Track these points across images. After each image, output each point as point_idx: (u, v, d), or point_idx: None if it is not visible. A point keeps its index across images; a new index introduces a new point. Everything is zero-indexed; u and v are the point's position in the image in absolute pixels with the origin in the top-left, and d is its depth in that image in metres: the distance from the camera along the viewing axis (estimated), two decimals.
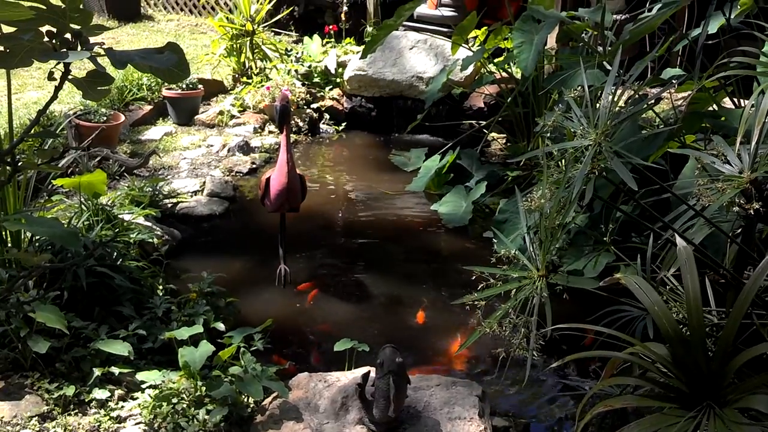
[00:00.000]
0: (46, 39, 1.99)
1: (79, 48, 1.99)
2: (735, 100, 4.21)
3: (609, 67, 4.08)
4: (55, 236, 2.15)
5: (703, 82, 3.55)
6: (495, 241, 4.88)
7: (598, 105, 2.27)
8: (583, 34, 5.43)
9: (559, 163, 2.37)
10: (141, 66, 1.99)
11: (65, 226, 3.49)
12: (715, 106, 4.15)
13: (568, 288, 2.32)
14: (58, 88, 2.13)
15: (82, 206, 4.26)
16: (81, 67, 2.07)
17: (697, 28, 3.90)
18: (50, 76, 2.09)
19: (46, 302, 3.33)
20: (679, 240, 1.97)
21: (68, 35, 2.00)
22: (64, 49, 1.98)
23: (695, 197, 2.18)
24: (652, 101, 2.78)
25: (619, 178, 2.07)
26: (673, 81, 4.45)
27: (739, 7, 4.07)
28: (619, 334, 2.03)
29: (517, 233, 4.34)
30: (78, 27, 2.00)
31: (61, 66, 2.06)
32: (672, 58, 6.65)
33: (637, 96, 3.12)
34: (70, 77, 2.08)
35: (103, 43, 2.03)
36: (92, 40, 2.03)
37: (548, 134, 2.41)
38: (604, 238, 3.66)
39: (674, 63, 6.54)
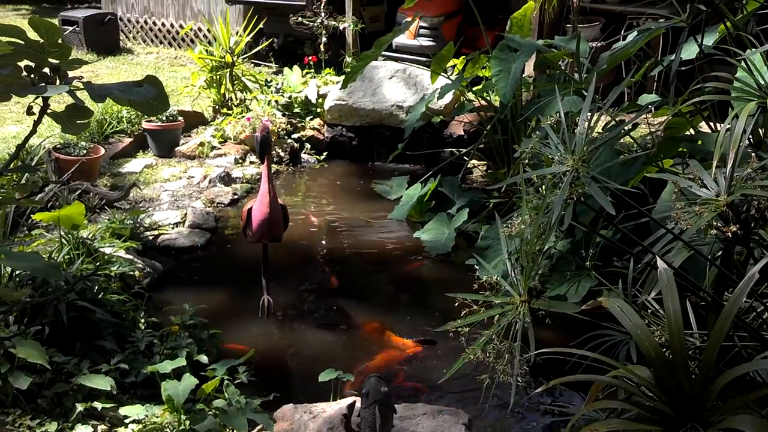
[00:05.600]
0: (24, 73, 1.99)
1: (57, 82, 1.99)
2: (711, 124, 4.27)
3: (586, 94, 4.14)
4: (36, 270, 2.13)
5: (679, 107, 3.60)
6: (477, 267, 4.90)
7: (575, 131, 2.29)
8: (560, 62, 5.50)
9: (539, 189, 2.39)
10: (120, 99, 1.99)
11: (45, 259, 3.46)
12: (691, 131, 4.20)
13: (551, 314, 2.32)
14: (37, 123, 2.12)
15: (63, 240, 4.24)
16: (60, 101, 2.07)
17: (672, 54, 3.96)
18: (29, 111, 2.09)
19: (27, 337, 3.30)
20: (659, 262, 1.98)
21: (47, 69, 2.00)
22: (43, 84, 1.97)
23: (673, 221, 2.20)
24: (629, 126, 2.82)
25: (599, 203, 2.09)
26: (650, 106, 4.51)
27: (717, 33, 4.14)
28: (602, 357, 2.04)
29: (499, 259, 4.35)
30: (56, 61, 2.00)
31: (39, 100, 2.05)
32: (648, 84, 6.74)
33: (613, 122, 3.16)
34: (49, 111, 2.07)
35: (82, 77, 2.03)
36: (71, 74, 2.04)
37: (527, 161, 2.42)
38: (586, 263, 3.69)
39: (650, 89, 6.63)
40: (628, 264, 2.77)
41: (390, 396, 3.02)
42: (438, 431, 3.18)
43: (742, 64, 2.95)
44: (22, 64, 1.99)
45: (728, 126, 2.40)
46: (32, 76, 2.00)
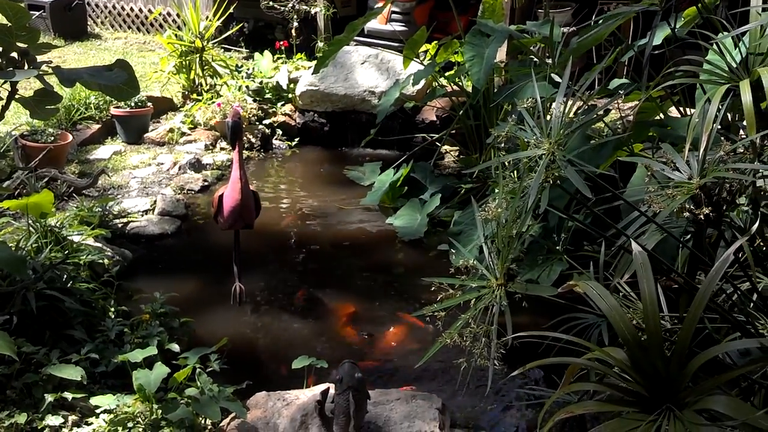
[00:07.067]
0: None
1: (26, 66, 1.95)
2: (681, 109, 4.31)
3: (558, 79, 4.15)
4: (1, 261, 2.09)
5: (650, 92, 3.62)
6: (452, 252, 4.91)
7: (549, 116, 2.30)
8: (533, 47, 5.50)
9: (513, 173, 2.39)
10: (90, 84, 1.96)
11: (13, 249, 3.41)
12: (661, 116, 4.23)
13: (526, 297, 2.33)
14: (4, 108, 2.08)
15: (30, 228, 4.17)
16: (27, 86, 2.02)
17: (643, 38, 3.97)
18: None
19: None
20: (634, 245, 1.99)
21: (15, 54, 1.96)
22: (11, 68, 1.94)
23: (646, 204, 2.21)
24: (602, 111, 2.83)
25: (574, 186, 2.10)
26: (620, 92, 4.53)
27: (683, 18, 4.17)
28: (577, 339, 2.05)
29: (474, 244, 4.37)
30: (25, 46, 1.96)
31: (7, 85, 2.01)
32: (619, 69, 6.78)
33: (586, 106, 3.17)
34: (17, 97, 2.04)
35: (51, 62, 2.00)
36: (39, 58, 2.00)
37: (501, 145, 2.43)
38: (557, 248, 3.71)
39: (621, 74, 6.67)
40: (598, 248, 2.79)
41: (364, 382, 3.02)
42: (412, 416, 3.19)
43: (714, 47, 2.98)
44: None
45: (700, 110, 2.42)
46: (0, 60, 1.96)
